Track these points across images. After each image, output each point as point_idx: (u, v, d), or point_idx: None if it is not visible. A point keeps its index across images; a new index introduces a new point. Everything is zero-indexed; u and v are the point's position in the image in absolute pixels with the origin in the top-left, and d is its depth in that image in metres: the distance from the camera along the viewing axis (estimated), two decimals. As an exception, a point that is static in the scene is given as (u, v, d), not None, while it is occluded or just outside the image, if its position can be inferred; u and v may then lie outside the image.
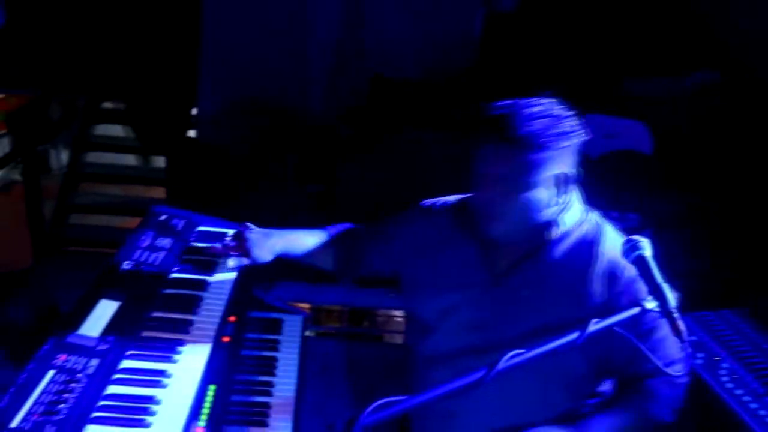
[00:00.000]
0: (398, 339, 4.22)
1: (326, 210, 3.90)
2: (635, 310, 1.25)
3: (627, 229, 1.65)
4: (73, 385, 1.30)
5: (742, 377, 1.91)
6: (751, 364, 1.95)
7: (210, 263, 1.87)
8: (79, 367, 1.35)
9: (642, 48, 4.00)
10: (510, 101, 1.43)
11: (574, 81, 3.80)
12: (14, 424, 1.18)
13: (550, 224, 1.48)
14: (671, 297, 1.27)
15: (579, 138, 1.43)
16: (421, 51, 4.45)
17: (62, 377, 1.31)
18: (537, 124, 1.37)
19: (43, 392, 1.26)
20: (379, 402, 1.00)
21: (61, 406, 1.24)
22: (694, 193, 2.76)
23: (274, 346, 1.89)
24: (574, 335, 1.18)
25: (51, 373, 1.32)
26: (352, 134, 4.17)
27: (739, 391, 1.86)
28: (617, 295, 1.47)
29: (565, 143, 1.40)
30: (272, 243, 1.80)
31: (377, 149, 3.95)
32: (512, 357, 1.11)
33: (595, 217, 1.56)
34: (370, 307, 3.94)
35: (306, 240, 1.83)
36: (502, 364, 1.09)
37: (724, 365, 1.96)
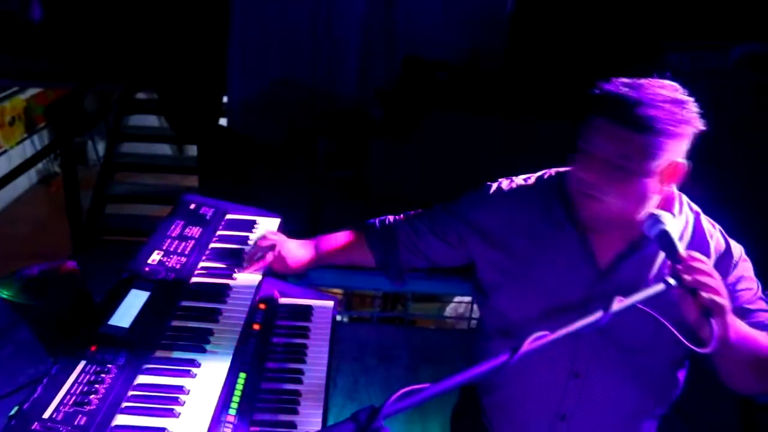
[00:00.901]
0: (431, 323, 4.21)
1: (356, 196, 3.88)
2: (659, 287, 1.21)
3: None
4: (103, 375, 1.31)
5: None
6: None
7: (239, 251, 1.86)
8: (110, 357, 1.36)
9: (683, 19, 3.85)
10: (633, 80, 1.33)
11: (611, 56, 3.69)
12: (46, 415, 1.20)
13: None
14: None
15: (697, 126, 1.32)
16: (451, 29, 4.36)
17: (93, 368, 1.32)
18: (660, 109, 1.28)
19: (74, 383, 1.28)
20: (402, 391, 0.98)
21: (92, 396, 1.25)
22: (738, 171, 2.66)
23: (304, 333, 1.88)
24: (598, 314, 1.13)
25: (82, 364, 1.33)
26: (383, 117, 4.14)
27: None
28: (735, 281, 1.42)
29: (684, 131, 1.30)
30: (305, 255, 1.76)
31: (409, 132, 3.90)
32: (536, 339, 1.07)
33: (688, 202, 1.48)
34: (403, 291, 3.93)
35: (339, 246, 1.76)
36: (526, 346, 1.05)
37: None
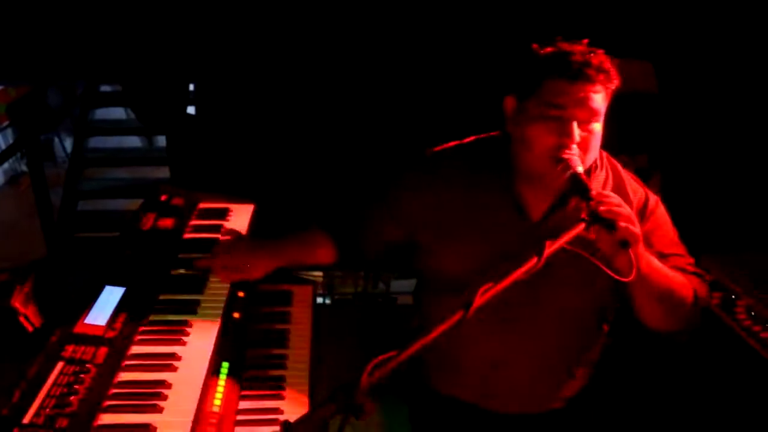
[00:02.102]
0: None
1: (331, 176, 3.85)
2: (580, 227, 1.26)
3: (636, 171, 1.64)
4: (83, 375, 1.29)
5: (760, 314, 1.87)
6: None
7: (214, 240, 1.84)
8: (88, 356, 1.35)
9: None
10: (571, 42, 1.40)
11: (574, 19, 3.68)
12: (27, 420, 1.18)
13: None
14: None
15: None
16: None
17: (72, 368, 1.31)
18: (599, 57, 1.37)
19: (53, 385, 1.26)
20: (373, 363, 0.98)
21: (72, 397, 1.23)
22: (704, 130, 2.67)
23: (286, 318, 1.88)
24: (534, 260, 1.15)
25: (60, 365, 1.31)
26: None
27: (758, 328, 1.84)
28: (653, 228, 1.50)
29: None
30: (266, 260, 1.71)
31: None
32: (485, 291, 1.08)
33: (607, 156, 1.57)
34: (382, 270, 3.94)
35: (302, 251, 1.74)
36: (477, 300, 1.06)
37: (741, 303, 1.93)
